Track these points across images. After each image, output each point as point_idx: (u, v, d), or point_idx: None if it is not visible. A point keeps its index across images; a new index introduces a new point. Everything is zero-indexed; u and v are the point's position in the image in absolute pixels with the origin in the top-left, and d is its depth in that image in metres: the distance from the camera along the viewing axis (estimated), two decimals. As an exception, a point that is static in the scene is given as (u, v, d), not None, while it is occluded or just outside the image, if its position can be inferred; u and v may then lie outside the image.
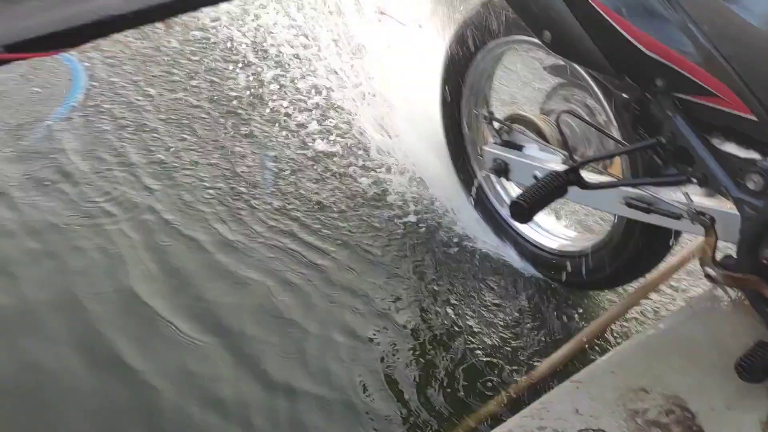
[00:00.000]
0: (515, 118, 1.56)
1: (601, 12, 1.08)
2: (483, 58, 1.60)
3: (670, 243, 1.44)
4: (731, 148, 1.10)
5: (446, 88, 1.71)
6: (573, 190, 1.27)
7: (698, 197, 1.17)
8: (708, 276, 1.16)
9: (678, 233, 1.42)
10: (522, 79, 2.30)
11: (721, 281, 1.14)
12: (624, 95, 1.16)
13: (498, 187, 1.72)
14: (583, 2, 1.09)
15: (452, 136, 1.78)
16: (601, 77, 1.20)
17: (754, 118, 1.00)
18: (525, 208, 1.17)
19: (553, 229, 1.69)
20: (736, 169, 1.08)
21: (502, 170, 1.53)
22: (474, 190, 1.76)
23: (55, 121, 2.25)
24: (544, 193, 1.18)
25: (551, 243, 1.66)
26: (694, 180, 1.14)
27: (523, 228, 1.69)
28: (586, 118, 1.29)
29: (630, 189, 1.25)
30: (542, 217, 1.71)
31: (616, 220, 1.47)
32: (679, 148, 1.13)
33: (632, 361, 1.14)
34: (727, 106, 1.03)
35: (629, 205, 1.29)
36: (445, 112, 1.76)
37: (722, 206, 1.14)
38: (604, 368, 1.12)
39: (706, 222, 1.14)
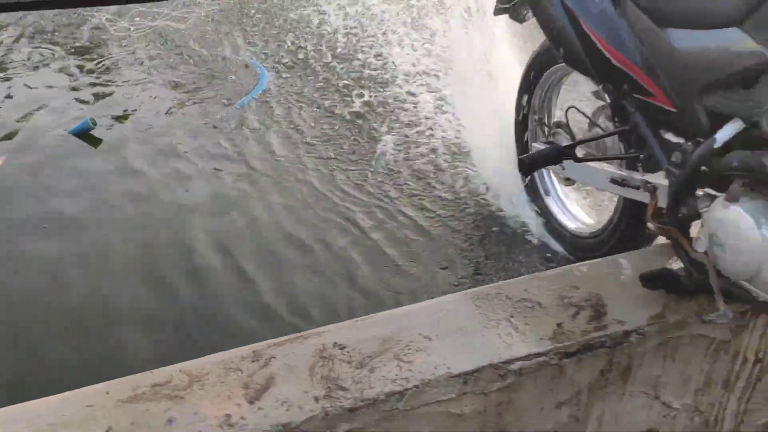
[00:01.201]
0: (558, 124, 2.09)
1: (588, 32, 1.60)
2: (545, 81, 2.16)
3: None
4: (669, 136, 1.58)
5: (520, 101, 2.28)
6: (573, 167, 1.79)
7: (649, 175, 1.64)
8: (648, 229, 1.63)
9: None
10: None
11: (656, 231, 1.61)
12: (608, 96, 1.67)
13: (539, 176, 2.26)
14: (578, 25, 1.63)
15: (519, 134, 2.34)
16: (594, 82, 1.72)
17: (674, 109, 1.48)
18: (525, 164, 1.71)
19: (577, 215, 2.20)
20: (669, 150, 1.55)
21: None
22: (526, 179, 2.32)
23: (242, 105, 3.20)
24: (541, 156, 1.72)
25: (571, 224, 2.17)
26: (645, 158, 1.61)
27: (556, 211, 2.22)
28: (584, 111, 1.80)
29: (609, 168, 1.75)
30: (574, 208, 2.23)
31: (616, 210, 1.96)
32: (638, 135, 1.62)
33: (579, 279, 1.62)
34: (659, 101, 1.51)
35: (612, 181, 1.77)
36: (518, 119, 2.34)
37: (662, 179, 1.61)
38: (561, 274, 1.62)
39: (651, 189, 1.61)
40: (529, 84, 2.18)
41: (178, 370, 1.36)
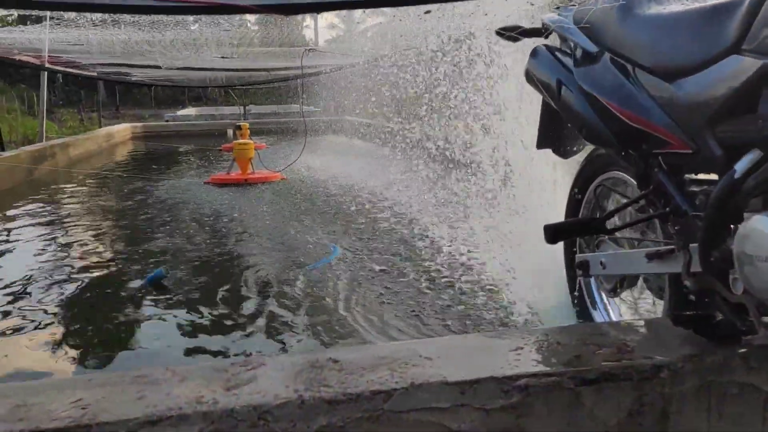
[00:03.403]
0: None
1: (606, 105, 1.68)
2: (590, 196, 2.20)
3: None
4: (694, 187, 1.53)
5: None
6: (611, 260, 1.75)
7: (681, 232, 1.56)
8: (686, 287, 1.51)
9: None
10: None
11: (693, 288, 1.48)
12: (630, 164, 1.68)
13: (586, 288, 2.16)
14: (596, 102, 1.72)
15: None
16: (618, 156, 1.74)
17: (690, 151, 1.47)
18: (550, 232, 1.68)
19: None
20: (694, 198, 1.50)
21: None
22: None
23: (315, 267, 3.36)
24: (569, 224, 1.69)
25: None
26: (672, 212, 1.55)
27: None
28: (611, 186, 1.78)
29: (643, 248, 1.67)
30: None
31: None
32: (664, 193, 1.58)
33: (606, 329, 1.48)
34: (676, 148, 1.51)
35: (649, 258, 1.68)
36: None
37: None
38: (586, 325, 1.49)
39: (682, 245, 1.52)
40: (577, 194, 2.20)
41: (165, 368, 1.31)
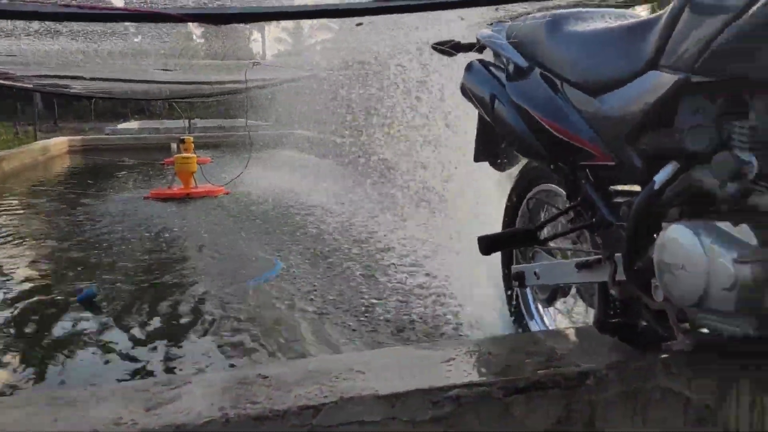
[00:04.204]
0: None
1: (536, 118, 1.72)
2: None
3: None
4: (619, 199, 1.58)
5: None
6: (544, 270, 1.78)
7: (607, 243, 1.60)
8: (612, 296, 1.54)
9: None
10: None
11: (617, 296, 1.51)
12: (560, 176, 1.72)
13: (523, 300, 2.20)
14: (527, 115, 1.75)
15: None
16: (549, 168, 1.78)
17: (613, 162, 1.51)
18: (484, 243, 1.69)
19: None
20: (618, 208, 1.54)
21: None
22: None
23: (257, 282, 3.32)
24: (503, 236, 1.71)
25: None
26: (598, 223, 1.59)
27: None
28: (543, 199, 1.82)
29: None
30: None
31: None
32: (591, 204, 1.62)
33: (539, 338, 1.50)
34: (601, 160, 1.55)
35: (578, 267, 1.72)
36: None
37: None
38: (519, 335, 1.50)
39: (608, 255, 1.56)
40: (513, 206, 2.23)
41: (84, 388, 1.26)
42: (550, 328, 2.12)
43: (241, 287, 3.35)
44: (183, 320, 2.93)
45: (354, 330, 2.64)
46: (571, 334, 1.53)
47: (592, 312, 2.20)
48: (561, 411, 1.26)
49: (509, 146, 1.85)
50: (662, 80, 1.38)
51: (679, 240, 1.27)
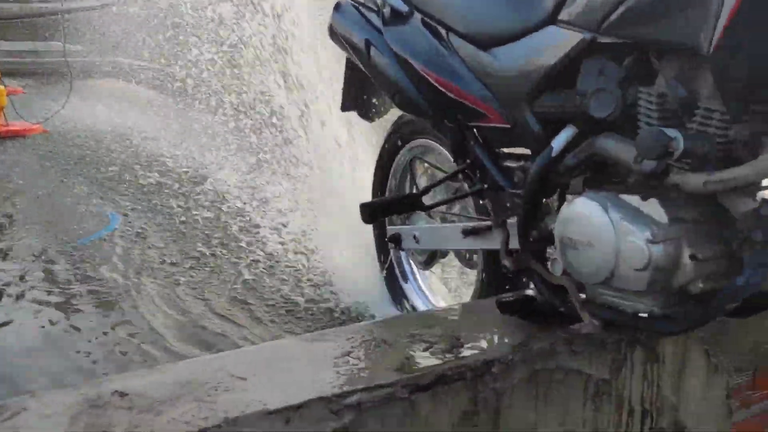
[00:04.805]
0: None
1: (419, 71, 1.56)
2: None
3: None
4: (510, 162, 1.49)
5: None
6: (425, 234, 1.66)
7: (498, 209, 1.52)
8: (505, 267, 1.46)
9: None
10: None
11: (511, 267, 1.44)
12: (445, 135, 1.60)
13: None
14: (410, 67, 1.59)
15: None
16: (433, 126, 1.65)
17: (507, 125, 1.41)
18: (367, 211, 1.55)
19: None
20: (511, 174, 1.45)
21: None
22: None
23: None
24: (385, 202, 1.56)
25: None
26: (490, 189, 1.50)
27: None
28: (427, 159, 1.71)
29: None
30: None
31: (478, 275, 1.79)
32: (480, 168, 1.52)
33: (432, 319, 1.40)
34: (493, 122, 1.44)
35: (465, 233, 1.63)
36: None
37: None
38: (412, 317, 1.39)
39: (500, 222, 1.47)
40: (384, 165, 2.09)
41: None
42: (424, 290, 2.05)
43: (72, 248, 2.95)
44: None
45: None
46: (467, 312, 1.44)
47: (467, 273, 2.16)
48: (467, 404, 1.16)
49: (391, 100, 1.68)
50: (564, 38, 1.27)
51: (585, 214, 1.20)
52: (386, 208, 1.64)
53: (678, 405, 1.39)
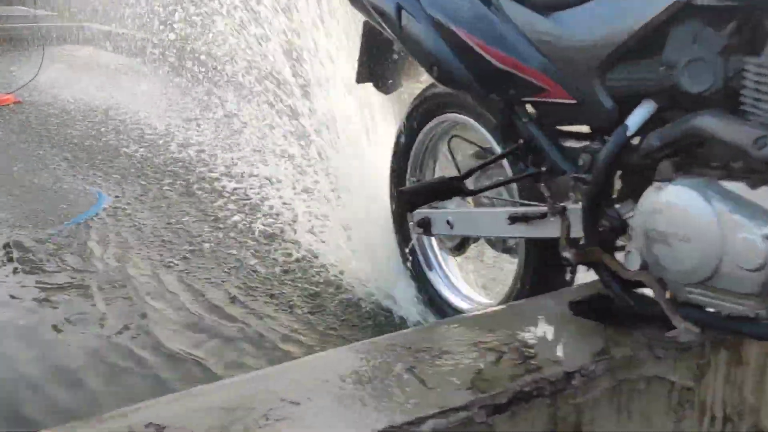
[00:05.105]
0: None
1: (464, 39, 1.39)
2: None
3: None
4: (571, 143, 1.33)
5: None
6: (462, 220, 1.50)
7: (556, 195, 1.36)
8: (564, 258, 1.31)
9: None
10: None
11: (574, 261, 1.29)
12: (492, 113, 1.43)
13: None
14: (451, 35, 1.41)
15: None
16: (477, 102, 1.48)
17: (573, 101, 1.24)
18: (405, 197, 1.38)
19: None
20: (574, 156, 1.29)
21: None
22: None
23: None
24: (425, 188, 1.40)
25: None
26: (547, 174, 1.34)
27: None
28: (468, 138, 1.54)
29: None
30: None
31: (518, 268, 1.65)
32: (534, 149, 1.36)
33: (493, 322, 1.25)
34: (555, 96, 1.27)
35: (512, 220, 1.47)
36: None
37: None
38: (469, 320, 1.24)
39: (559, 210, 1.32)
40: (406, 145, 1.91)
41: None
42: (451, 278, 1.90)
43: (59, 230, 2.74)
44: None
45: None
46: (523, 311, 1.29)
47: (499, 257, 2.01)
48: (547, 422, 1.02)
49: (429, 73, 1.50)
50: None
51: (680, 205, 1.04)
52: (428, 194, 1.47)
53: (759, 407, 1.27)
